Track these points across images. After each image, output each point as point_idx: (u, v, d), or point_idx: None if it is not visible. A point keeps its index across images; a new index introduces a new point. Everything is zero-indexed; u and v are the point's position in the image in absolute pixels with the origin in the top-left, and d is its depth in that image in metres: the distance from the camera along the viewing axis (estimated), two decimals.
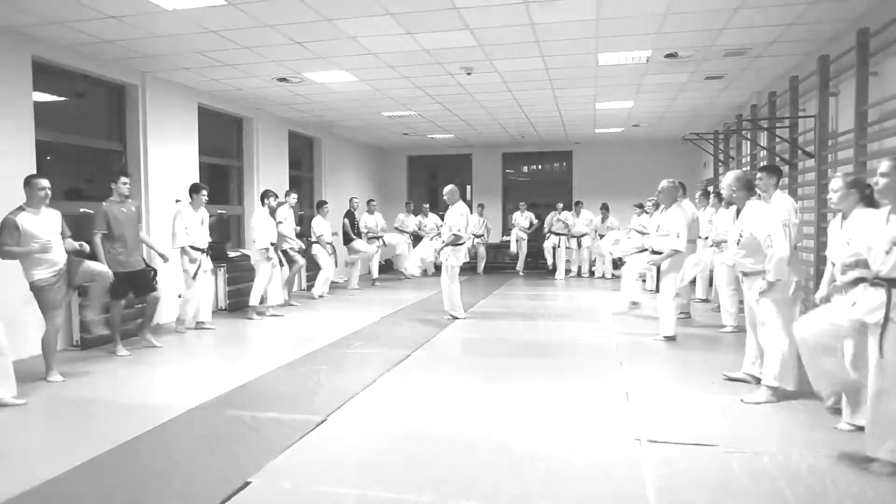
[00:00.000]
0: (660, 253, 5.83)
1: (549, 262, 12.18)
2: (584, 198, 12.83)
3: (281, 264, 7.94)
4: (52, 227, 4.74)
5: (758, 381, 4.17)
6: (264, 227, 7.41)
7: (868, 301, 2.92)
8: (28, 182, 4.66)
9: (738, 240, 4.18)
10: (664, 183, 5.93)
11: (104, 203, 5.51)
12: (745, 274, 4.22)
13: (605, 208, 11.73)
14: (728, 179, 4.26)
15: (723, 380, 4.49)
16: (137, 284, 5.65)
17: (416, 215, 12.51)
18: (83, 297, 5.50)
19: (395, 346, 5.80)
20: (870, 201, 3.29)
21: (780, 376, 3.94)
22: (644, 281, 9.71)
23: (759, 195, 4.45)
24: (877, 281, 2.87)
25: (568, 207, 12.88)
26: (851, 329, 3.04)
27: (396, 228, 11.95)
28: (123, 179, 5.57)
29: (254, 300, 7.50)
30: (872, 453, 2.91)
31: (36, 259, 4.61)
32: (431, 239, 7.95)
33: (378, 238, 11.03)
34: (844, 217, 3.37)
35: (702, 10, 5.11)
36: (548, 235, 12.18)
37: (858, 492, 2.70)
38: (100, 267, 5.05)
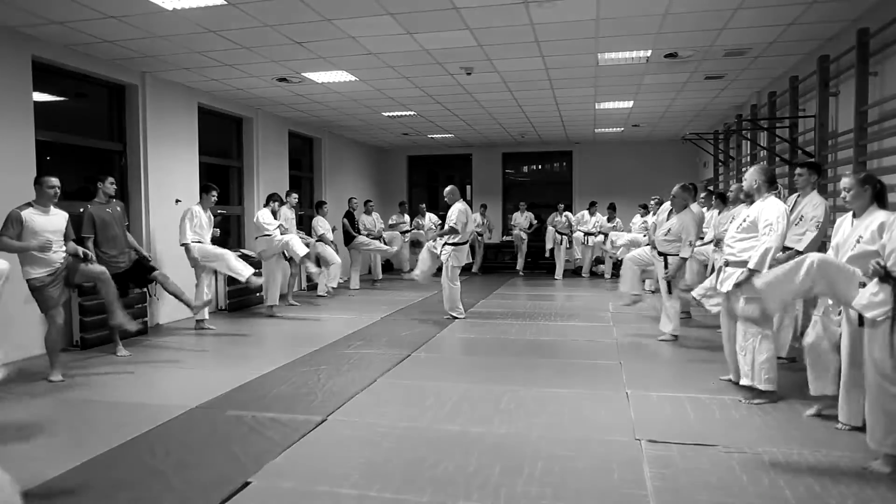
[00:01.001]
0: (663, 254, 5.86)
1: (549, 247, 12.19)
2: (584, 198, 12.84)
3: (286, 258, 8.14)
4: (58, 226, 4.80)
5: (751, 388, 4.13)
6: (269, 218, 7.67)
7: (868, 295, 2.92)
8: (38, 180, 4.76)
9: (741, 224, 4.15)
10: (676, 188, 5.92)
11: (89, 206, 5.48)
12: (727, 263, 4.17)
13: (612, 208, 11.74)
14: (752, 171, 4.20)
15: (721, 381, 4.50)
16: (135, 276, 5.63)
17: (412, 216, 12.50)
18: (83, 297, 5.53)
19: (395, 346, 5.80)
20: (880, 198, 3.29)
21: (768, 380, 3.95)
22: (643, 280, 9.71)
23: (780, 191, 4.43)
24: (886, 278, 2.86)
25: (568, 207, 12.91)
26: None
27: (390, 226, 11.92)
28: (110, 180, 5.55)
29: (271, 299, 7.68)
30: (876, 447, 2.92)
31: (32, 257, 4.64)
32: (434, 240, 7.92)
33: (378, 239, 11.03)
34: (856, 216, 3.36)
35: (702, 10, 5.11)
36: (548, 229, 12.20)
37: (858, 491, 2.71)
38: (98, 268, 5.07)
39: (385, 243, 11.19)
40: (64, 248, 4.87)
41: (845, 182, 3.38)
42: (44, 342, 4.74)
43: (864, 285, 3.00)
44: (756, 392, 4.00)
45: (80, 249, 5.03)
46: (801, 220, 4.67)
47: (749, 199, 4.34)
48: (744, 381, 4.06)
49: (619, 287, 6.90)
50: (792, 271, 3.13)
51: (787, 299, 3.19)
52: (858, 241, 3.22)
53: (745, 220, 4.13)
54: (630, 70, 7.07)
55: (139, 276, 5.70)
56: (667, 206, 6.34)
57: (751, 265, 3.89)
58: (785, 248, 4.33)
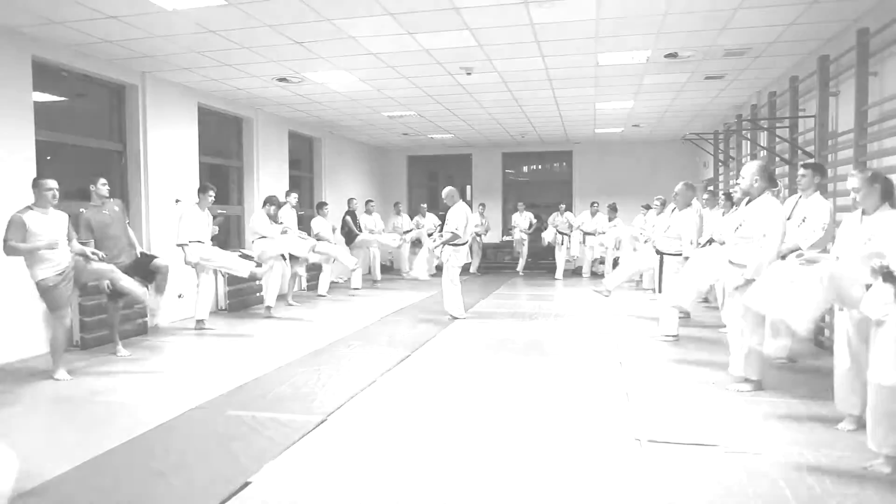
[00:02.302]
0: (664, 253, 5.85)
1: (547, 241, 12.25)
2: (584, 198, 12.83)
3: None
4: (59, 227, 4.80)
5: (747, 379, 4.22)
6: (264, 223, 7.63)
7: (873, 297, 2.91)
8: (36, 183, 4.72)
9: (738, 228, 4.15)
10: (679, 186, 5.91)
11: (84, 210, 5.42)
12: (730, 262, 4.22)
13: (612, 208, 11.74)
14: (751, 169, 4.14)
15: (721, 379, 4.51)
16: (137, 269, 5.61)
17: (412, 216, 12.49)
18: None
19: (395, 346, 5.80)
20: (889, 195, 3.27)
21: (757, 370, 4.15)
22: (640, 280, 9.83)
23: (778, 190, 4.44)
24: (889, 277, 2.85)
25: (569, 208, 12.92)
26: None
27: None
28: (102, 181, 5.49)
29: (270, 300, 7.67)
30: (877, 448, 2.92)
31: (40, 258, 4.65)
32: (434, 241, 7.95)
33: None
34: (866, 213, 3.34)
35: (702, 10, 5.11)
36: (546, 227, 12.25)
37: (859, 491, 2.70)
38: (105, 266, 5.07)
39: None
40: (69, 248, 4.87)
41: (854, 182, 3.33)
42: (49, 342, 4.74)
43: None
44: (742, 379, 4.21)
45: (88, 249, 5.03)
46: (804, 221, 4.66)
47: (746, 195, 4.27)
48: (734, 371, 4.25)
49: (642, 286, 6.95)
50: (810, 295, 3.20)
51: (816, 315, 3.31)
52: (871, 239, 3.21)
53: (741, 224, 4.14)
54: (630, 70, 7.07)
55: (142, 268, 5.67)
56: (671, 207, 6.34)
57: (747, 275, 3.95)
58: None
